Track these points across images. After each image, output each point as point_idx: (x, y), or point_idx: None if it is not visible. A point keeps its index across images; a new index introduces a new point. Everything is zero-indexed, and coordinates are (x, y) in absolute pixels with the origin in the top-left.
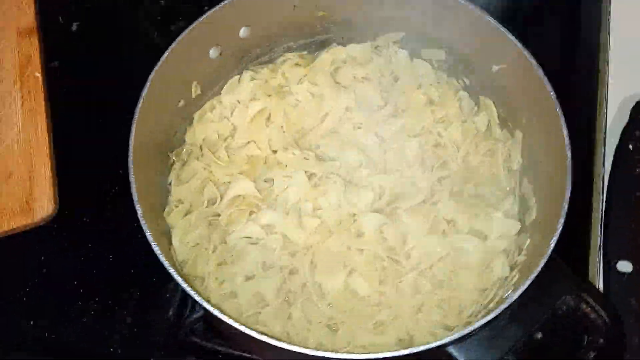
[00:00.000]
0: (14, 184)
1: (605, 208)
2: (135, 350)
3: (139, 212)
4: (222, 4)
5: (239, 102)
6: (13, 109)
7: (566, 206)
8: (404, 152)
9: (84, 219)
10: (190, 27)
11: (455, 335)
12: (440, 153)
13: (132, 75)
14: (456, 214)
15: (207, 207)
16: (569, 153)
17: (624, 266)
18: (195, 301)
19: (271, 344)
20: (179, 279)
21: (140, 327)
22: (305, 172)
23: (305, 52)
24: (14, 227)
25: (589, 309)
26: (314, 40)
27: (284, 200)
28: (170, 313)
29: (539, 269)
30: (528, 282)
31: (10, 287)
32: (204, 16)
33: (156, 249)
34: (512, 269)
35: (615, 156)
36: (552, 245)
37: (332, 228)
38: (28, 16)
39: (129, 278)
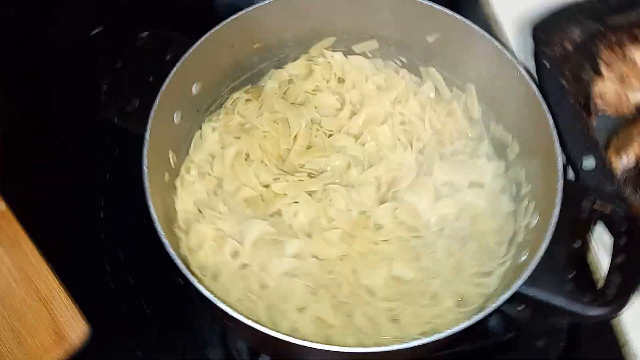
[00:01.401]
0: (33, 322)
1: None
2: None
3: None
4: (175, 69)
5: (211, 156)
6: None
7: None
8: (380, 140)
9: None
10: (157, 99)
11: (523, 279)
12: (410, 129)
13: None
14: (449, 175)
15: (234, 262)
16: (520, 68)
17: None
18: None
19: (361, 353)
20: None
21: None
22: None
23: (249, 86)
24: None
25: (605, 206)
26: (253, 72)
27: (298, 226)
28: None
29: (559, 190)
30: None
31: None
32: (165, 84)
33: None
34: (522, 199)
35: (538, 76)
36: (560, 168)
37: (353, 232)
38: None
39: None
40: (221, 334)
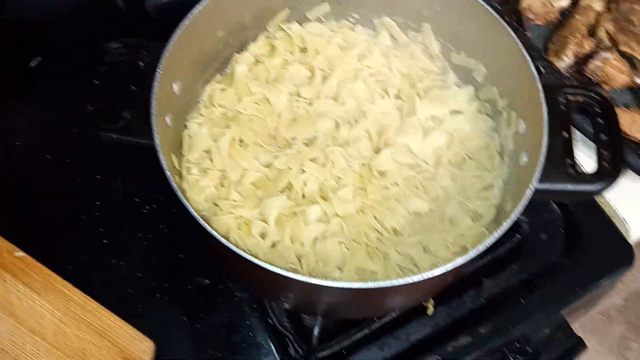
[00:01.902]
0: (99, 356)
1: None
2: None
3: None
4: (159, 71)
5: (206, 152)
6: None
7: (514, 35)
8: (358, 96)
9: None
10: (152, 105)
11: (535, 179)
12: (381, 78)
13: None
14: (430, 110)
15: (265, 242)
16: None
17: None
18: None
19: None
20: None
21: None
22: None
23: (218, 76)
24: None
25: (576, 96)
26: (220, 61)
27: (311, 193)
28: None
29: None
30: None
31: None
32: (155, 88)
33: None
34: (500, 113)
35: None
36: (534, 70)
37: (362, 185)
38: None
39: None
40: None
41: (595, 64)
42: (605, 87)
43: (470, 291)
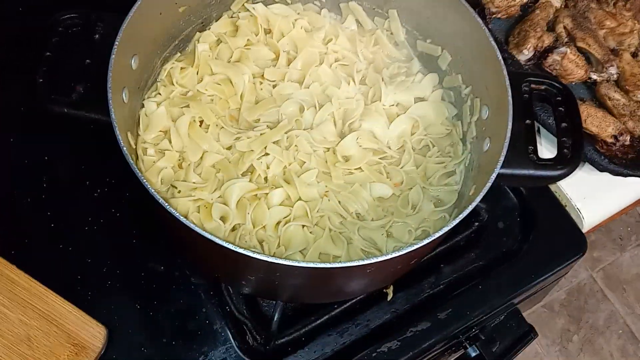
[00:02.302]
0: (46, 342)
1: None
2: None
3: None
4: (116, 44)
5: (164, 132)
6: None
7: (481, 23)
8: (323, 80)
9: None
10: (109, 78)
11: (500, 164)
12: (346, 63)
13: None
14: (395, 96)
15: (225, 226)
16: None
17: None
18: None
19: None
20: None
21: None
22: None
23: (179, 55)
24: None
25: (538, 85)
26: (180, 39)
27: (274, 176)
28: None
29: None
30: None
31: None
32: (111, 62)
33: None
34: (464, 101)
35: None
36: (501, 58)
37: (327, 170)
38: None
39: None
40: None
41: (553, 58)
42: (562, 80)
43: (430, 277)
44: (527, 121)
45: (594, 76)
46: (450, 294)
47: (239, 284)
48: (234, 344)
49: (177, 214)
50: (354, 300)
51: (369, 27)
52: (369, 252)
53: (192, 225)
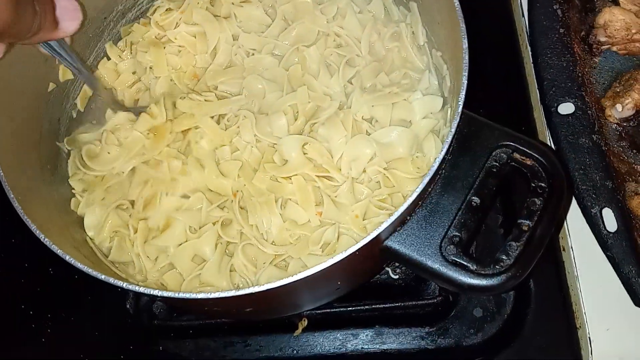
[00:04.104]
0: None
1: (532, 54)
2: (105, 350)
3: (32, 227)
4: None
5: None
6: None
7: (466, 57)
8: (306, 64)
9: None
10: None
11: (384, 225)
12: (344, 52)
13: None
14: (373, 109)
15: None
16: (456, 3)
17: (566, 108)
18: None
19: (220, 298)
20: (94, 273)
21: (102, 329)
22: (212, 116)
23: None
24: None
25: (524, 156)
26: None
27: (201, 153)
28: (128, 306)
29: (452, 130)
30: (445, 146)
31: None
32: None
33: (59, 252)
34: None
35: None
36: (461, 104)
37: (255, 165)
38: None
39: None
40: None
41: None
42: None
43: (357, 331)
44: (473, 198)
45: None
46: None
47: None
48: None
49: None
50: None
51: (396, 16)
52: (238, 276)
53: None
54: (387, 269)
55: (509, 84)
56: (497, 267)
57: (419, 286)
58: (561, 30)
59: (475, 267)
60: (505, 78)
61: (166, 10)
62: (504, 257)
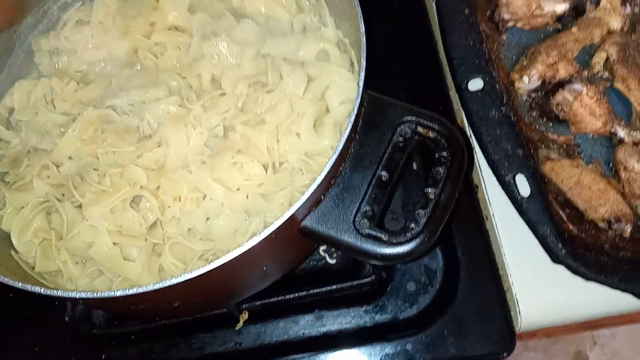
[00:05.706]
0: None
1: (441, 35)
2: None
3: None
4: None
5: None
6: None
7: (364, 39)
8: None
9: None
10: None
11: (296, 205)
12: None
13: None
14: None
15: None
16: None
17: (475, 84)
18: None
19: (144, 292)
20: (19, 285)
21: (42, 345)
22: None
23: (80, 4)
24: None
25: (426, 129)
26: None
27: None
28: (67, 318)
29: (355, 109)
30: (349, 126)
31: None
32: None
33: None
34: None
35: None
36: (361, 85)
37: (190, 169)
38: None
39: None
40: None
41: (563, 95)
42: (572, 128)
43: (296, 317)
44: (382, 173)
45: (621, 133)
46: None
47: None
48: None
49: None
50: (201, 316)
51: (306, 9)
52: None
53: None
54: (324, 254)
55: (425, 66)
56: (407, 235)
57: (355, 268)
58: (466, 11)
59: (387, 237)
60: (422, 61)
61: (76, 22)
62: (412, 226)
